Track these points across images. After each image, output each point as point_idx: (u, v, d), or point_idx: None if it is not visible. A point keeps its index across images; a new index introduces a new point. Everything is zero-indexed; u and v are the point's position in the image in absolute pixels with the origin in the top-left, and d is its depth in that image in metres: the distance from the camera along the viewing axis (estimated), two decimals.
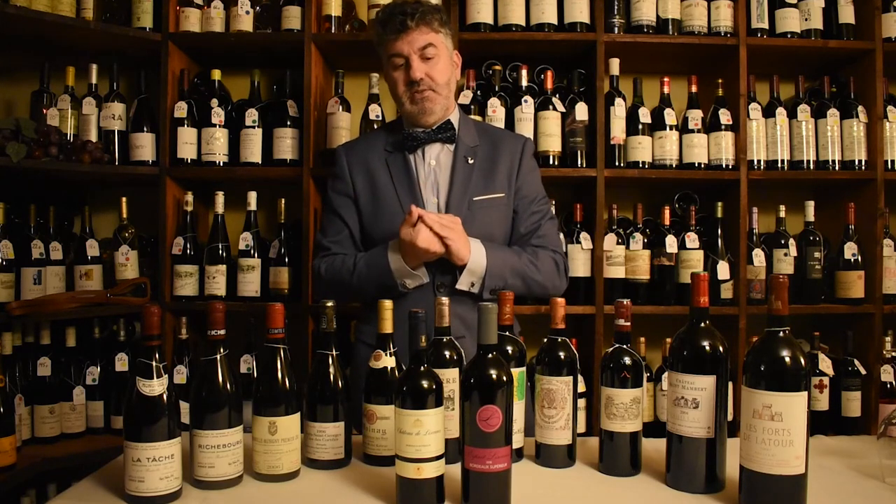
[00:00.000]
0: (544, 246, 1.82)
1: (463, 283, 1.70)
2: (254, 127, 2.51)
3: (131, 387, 1.23)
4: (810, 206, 2.58)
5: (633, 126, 2.54)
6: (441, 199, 1.79)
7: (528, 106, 2.49)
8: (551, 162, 2.49)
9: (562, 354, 1.38)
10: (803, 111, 2.58)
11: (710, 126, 2.57)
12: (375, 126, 2.49)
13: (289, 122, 2.52)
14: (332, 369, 1.41)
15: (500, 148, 1.85)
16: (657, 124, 2.55)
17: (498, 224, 1.80)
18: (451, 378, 1.36)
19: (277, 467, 1.32)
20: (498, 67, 2.60)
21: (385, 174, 1.81)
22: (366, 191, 1.82)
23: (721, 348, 1.26)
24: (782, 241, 2.55)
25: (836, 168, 2.58)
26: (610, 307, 2.37)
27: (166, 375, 1.25)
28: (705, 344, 1.26)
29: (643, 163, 2.54)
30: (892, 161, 2.58)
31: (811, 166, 2.58)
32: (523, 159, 1.86)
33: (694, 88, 2.61)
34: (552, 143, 2.49)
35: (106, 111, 2.50)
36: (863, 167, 2.57)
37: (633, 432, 1.34)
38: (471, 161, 1.81)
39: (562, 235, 2.42)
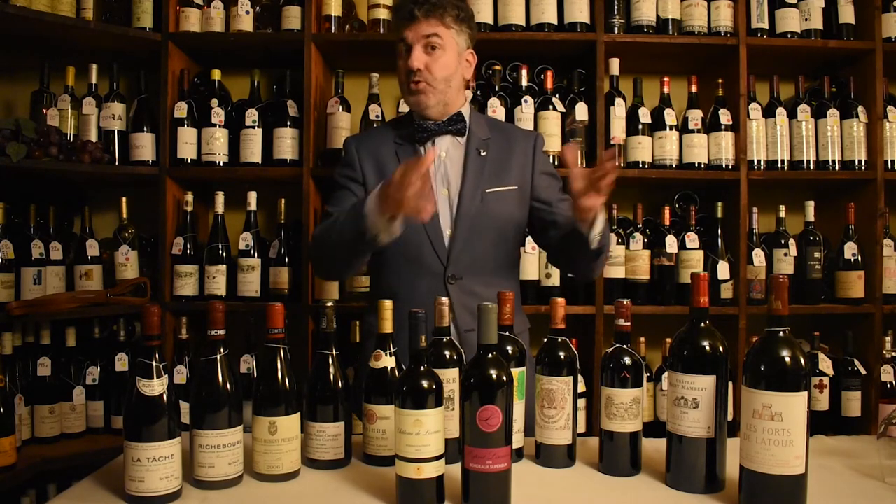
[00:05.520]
0: None
1: (594, 240, 1.65)
2: (254, 127, 2.50)
3: (131, 387, 1.23)
4: (810, 206, 2.58)
5: (633, 126, 2.54)
6: (453, 191, 1.78)
7: (528, 106, 2.49)
8: (551, 162, 2.49)
9: (562, 354, 1.38)
10: (803, 111, 2.58)
11: (710, 126, 2.57)
12: (375, 126, 2.49)
13: (289, 122, 2.51)
14: (332, 369, 1.41)
15: (512, 143, 1.85)
16: (657, 124, 2.55)
17: (510, 216, 1.80)
18: (451, 378, 1.36)
19: (277, 467, 1.32)
20: (498, 67, 2.60)
21: (395, 165, 1.77)
22: (375, 180, 1.80)
23: (721, 348, 1.26)
24: (782, 241, 2.55)
25: (836, 168, 2.58)
26: (610, 307, 2.37)
27: (166, 375, 1.25)
28: (705, 344, 1.26)
29: (643, 163, 2.53)
30: (892, 161, 2.58)
31: (811, 166, 2.58)
32: (536, 154, 1.86)
33: (694, 88, 2.61)
34: (552, 143, 2.49)
35: (106, 111, 2.50)
36: (863, 167, 2.57)
37: (633, 432, 1.34)
38: (483, 153, 1.80)
39: None
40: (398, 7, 1.75)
